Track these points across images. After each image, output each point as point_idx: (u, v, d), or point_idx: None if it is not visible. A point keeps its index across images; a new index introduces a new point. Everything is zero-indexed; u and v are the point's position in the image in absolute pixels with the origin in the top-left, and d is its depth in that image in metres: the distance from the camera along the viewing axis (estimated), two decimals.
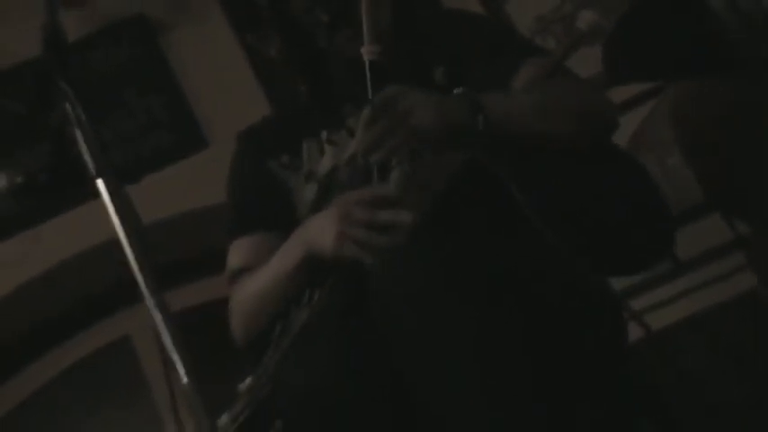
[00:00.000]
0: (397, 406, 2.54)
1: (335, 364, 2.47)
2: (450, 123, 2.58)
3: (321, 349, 2.54)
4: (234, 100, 3.09)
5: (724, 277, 4.36)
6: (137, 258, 2.19)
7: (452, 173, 2.57)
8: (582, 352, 2.60)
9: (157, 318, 2.14)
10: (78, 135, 2.31)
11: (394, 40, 2.73)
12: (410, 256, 2.50)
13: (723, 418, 3.05)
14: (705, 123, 3.75)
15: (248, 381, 2.51)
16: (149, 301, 2.15)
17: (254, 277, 2.74)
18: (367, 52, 2.63)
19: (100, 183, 2.27)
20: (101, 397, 5.65)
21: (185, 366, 2.17)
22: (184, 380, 2.16)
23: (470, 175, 2.65)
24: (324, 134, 2.85)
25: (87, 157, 2.30)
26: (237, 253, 2.85)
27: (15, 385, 5.72)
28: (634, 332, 2.77)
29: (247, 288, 2.75)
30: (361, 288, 2.46)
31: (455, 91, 2.65)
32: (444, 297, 2.41)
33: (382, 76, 2.65)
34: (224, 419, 2.35)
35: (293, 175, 2.80)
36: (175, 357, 2.15)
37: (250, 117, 3.10)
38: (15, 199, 5.36)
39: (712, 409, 3.23)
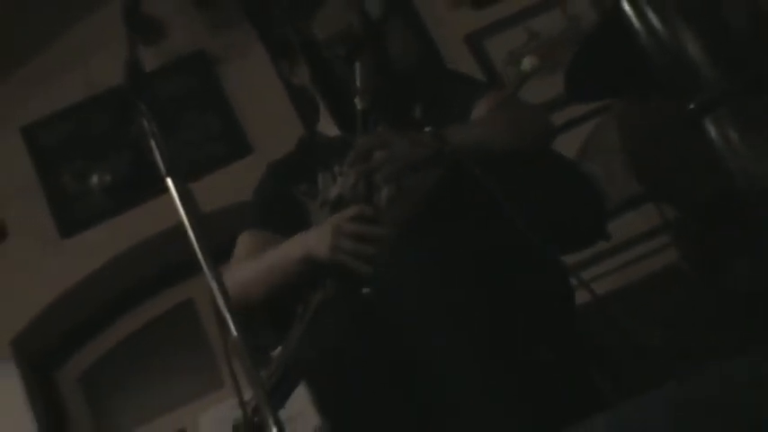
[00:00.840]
0: (395, 367, 2.59)
1: (343, 337, 2.57)
2: (419, 155, 2.63)
3: (331, 325, 2.58)
4: (272, 116, 3.16)
5: (654, 252, 4.40)
6: (197, 239, 2.24)
7: (429, 187, 2.62)
8: (543, 311, 2.68)
9: (213, 285, 2.19)
10: (152, 144, 2.34)
11: (383, 89, 2.79)
12: (406, 247, 2.60)
13: (649, 360, 3.11)
14: (643, 133, 3.78)
15: (278, 349, 2.58)
16: (207, 272, 2.20)
17: (255, 261, 2.82)
18: (359, 102, 2.66)
19: (169, 181, 2.31)
20: (171, 347, 5.68)
21: (234, 324, 2.21)
22: (234, 333, 2.20)
23: (446, 186, 2.68)
24: (336, 168, 2.83)
25: (159, 161, 2.32)
26: (247, 239, 2.97)
27: (107, 335, 5.80)
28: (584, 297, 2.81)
29: (247, 266, 2.81)
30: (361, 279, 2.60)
31: (426, 129, 2.73)
32: (434, 277, 2.54)
33: (370, 119, 2.74)
34: (262, 374, 2.33)
35: (311, 202, 2.85)
36: (227, 316, 2.20)
37: (284, 129, 3.20)
38: (104, 194, 5.51)
39: (641, 353, 3.28)
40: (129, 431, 5.64)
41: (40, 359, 5.69)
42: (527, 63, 3.33)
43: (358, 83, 2.75)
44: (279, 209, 2.97)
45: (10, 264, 4.76)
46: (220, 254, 2.27)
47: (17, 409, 5.38)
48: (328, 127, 3.06)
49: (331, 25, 2.96)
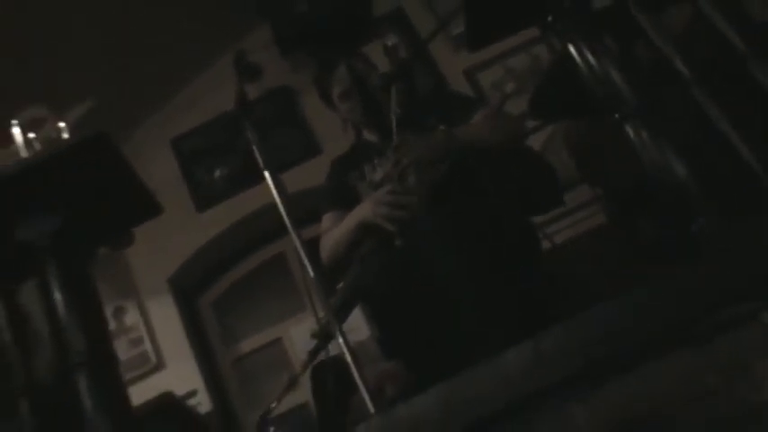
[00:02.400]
0: (419, 290, 2.57)
1: (383, 272, 2.58)
2: (435, 149, 2.72)
3: (376, 265, 2.66)
4: (334, 128, 3.14)
5: (589, 216, 4.37)
6: (285, 211, 2.25)
7: (442, 171, 2.65)
8: (519, 252, 2.66)
9: (297, 242, 2.19)
10: (254, 149, 2.36)
11: (410, 106, 2.78)
12: (426, 212, 2.67)
13: (592, 289, 3.07)
14: (582, 136, 3.75)
15: (341, 283, 2.60)
16: (292, 233, 2.21)
17: (335, 230, 2.95)
18: (393, 111, 2.68)
19: (266, 173, 2.34)
20: (270, 283, 5.67)
21: (313, 269, 2.21)
22: (311, 274, 2.19)
23: (454, 170, 2.74)
24: (375, 161, 2.95)
25: (259, 160, 2.36)
26: (328, 219, 3.05)
27: (229, 275, 5.82)
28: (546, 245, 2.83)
29: (331, 233, 2.93)
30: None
31: (440, 128, 2.75)
32: (446, 231, 2.54)
33: (403, 124, 2.77)
34: (331, 300, 2.35)
35: (360, 183, 2.89)
36: (306, 264, 2.20)
37: (342, 137, 3.18)
38: (224, 182, 5.51)
39: (584, 284, 3.24)
40: (244, 338, 5.65)
41: (186, 292, 5.70)
42: (508, 88, 3.38)
43: (393, 102, 2.79)
44: (340, 193, 3.03)
45: (165, 229, 4.76)
46: (300, 221, 2.28)
47: (173, 328, 5.41)
48: (369, 135, 3.09)
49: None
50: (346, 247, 2.85)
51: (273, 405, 2.70)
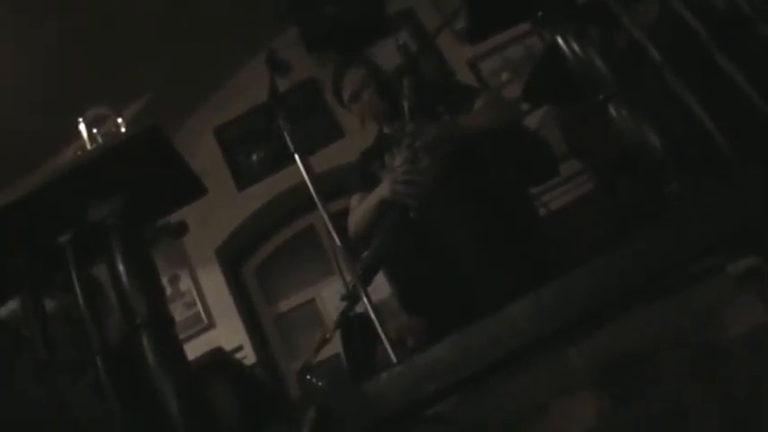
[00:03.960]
0: (431, 254, 2.68)
1: (401, 240, 2.61)
2: (443, 134, 2.73)
3: (396, 233, 2.68)
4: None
5: (580, 184, 4.36)
6: (314, 189, 2.25)
7: (449, 152, 2.66)
8: (521, 219, 2.72)
9: (324, 215, 2.21)
10: (285, 134, 2.38)
11: (419, 93, 2.78)
12: (437, 188, 2.70)
13: (583, 248, 3.08)
14: (571, 116, 3.73)
15: (366, 252, 2.65)
16: (321, 208, 2.22)
17: (360, 207, 2.90)
18: (407, 98, 2.72)
19: (296, 156, 2.35)
20: (304, 251, 5.67)
21: (339, 238, 2.22)
22: (338, 243, 2.20)
23: (460, 151, 2.76)
24: (394, 149, 2.91)
25: (290, 144, 2.37)
26: (355, 200, 3.03)
27: (269, 245, 5.87)
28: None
29: (357, 211, 2.93)
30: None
31: (446, 117, 2.74)
32: (454, 202, 2.58)
33: (415, 114, 2.77)
34: (357, 266, 2.36)
35: (381, 170, 2.89)
36: (333, 234, 2.21)
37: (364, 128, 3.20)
38: (261, 164, 5.60)
39: (578, 239, 3.26)
40: (282, 299, 5.67)
41: (231, 261, 5.72)
42: (504, 76, 3.37)
43: (406, 91, 2.78)
44: (365, 178, 3.01)
45: (210, 205, 4.78)
46: (328, 195, 2.29)
47: (221, 292, 5.45)
48: (387, 128, 3.08)
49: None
50: (369, 220, 2.86)
51: (311, 358, 2.74)
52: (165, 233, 2.15)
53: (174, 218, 2.10)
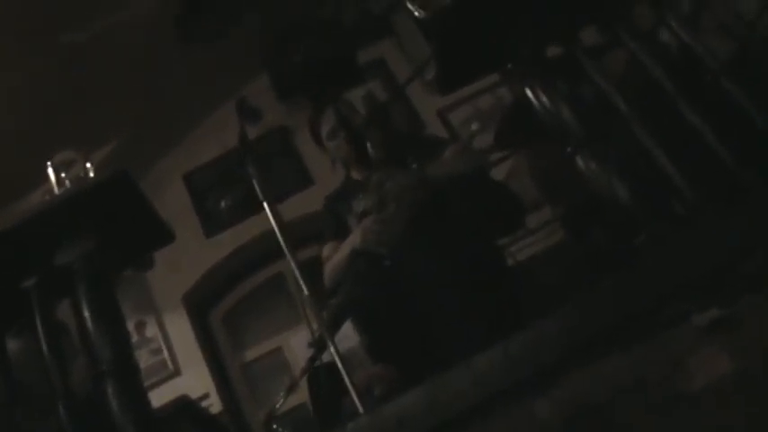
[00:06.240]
0: (403, 302, 2.61)
1: (372, 289, 2.60)
2: (411, 183, 2.69)
3: (365, 283, 2.64)
4: (324, 163, 3.13)
5: (550, 232, 4.38)
6: (282, 236, 2.24)
7: (418, 201, 2.65)
8: (489, 268, 2.67)
9: (293, 264, 2.20)
10: (254, 182, 2.36)
11: (387, 143, 2.77)
12: (407, 237, 2.64)
13: (553, 298, 3.08)
14: (542, 165, 3.76)
15: (333, 300, 2.66)
16: (288, 256, 2.21)
17: (332, 260, 2.82)
18: (373, 153, 2.72)
19: (265, 204, 2.33)
20: (271, 299, 5.67)
21: (306, 286, 2.20)
22: (305, 292, 2.19)
23: (428, 200, 2.71)
24: (360, 196, 2.85)
25: (259, 192, 2.35)
26: (327, 249, 2.94)
27: (236, 293, 5.86)
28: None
29: (330, 264, 2.85)
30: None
31: (413, 167, 2.75)
32: (424, 251, 2.56)
33: (381, 163, 2.79)
34: (324, 314, 2.34)
35: (349, 216, 2.86)
36: (302, 283, 2.19)
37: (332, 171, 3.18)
38: (229, 211, 5.61)
39: (545, 289, 3.26)
40: (249, 347, 5.63)
41: (198, 308, 5.69)
42: (474, 126, 3.40)
43: (371, 142, 2.79)
44: (334, 225, 2.96)
45: (178, 251, 4.73)
46: (296, 242, 2.28)
47: (187, 339, 5.42)
48: (354, 173, 3.05)
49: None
50: (343, 271, 2.85)
51: (277, 405, 2.70)
52: (130, 265, 2.13)
53: None
